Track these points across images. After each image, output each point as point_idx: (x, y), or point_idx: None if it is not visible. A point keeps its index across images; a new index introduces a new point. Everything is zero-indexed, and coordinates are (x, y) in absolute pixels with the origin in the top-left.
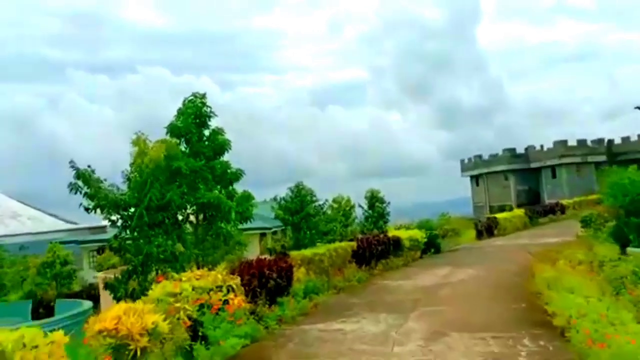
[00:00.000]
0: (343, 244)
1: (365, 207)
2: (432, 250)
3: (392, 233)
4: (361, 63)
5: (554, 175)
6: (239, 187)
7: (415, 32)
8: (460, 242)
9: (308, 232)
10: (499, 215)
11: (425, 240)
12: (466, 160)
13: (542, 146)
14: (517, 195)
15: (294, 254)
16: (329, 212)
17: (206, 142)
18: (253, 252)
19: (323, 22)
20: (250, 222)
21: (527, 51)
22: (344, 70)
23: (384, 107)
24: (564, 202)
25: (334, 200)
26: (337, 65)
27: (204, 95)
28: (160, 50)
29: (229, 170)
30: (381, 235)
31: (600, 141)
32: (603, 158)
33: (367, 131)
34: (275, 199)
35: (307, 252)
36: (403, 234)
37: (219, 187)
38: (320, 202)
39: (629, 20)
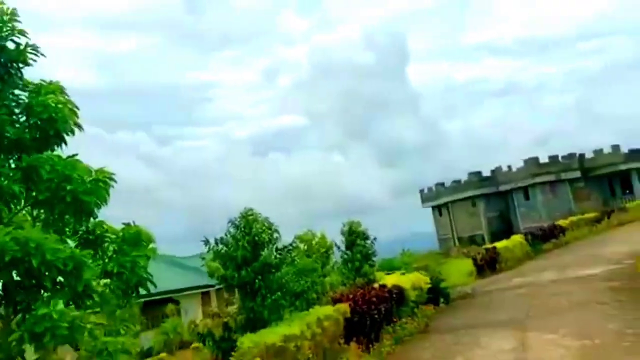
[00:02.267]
0: (329, 310)
1: (342, 246)
2: (442, 300)
3: (386, 280)
4: (298, 109)
5: (527, 197)
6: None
7: (348, 75)
8: (455, 282)
9: (269, 297)
10: (498, 245)
11: (430, 286)
12: (426, 190)
13: (509, 167)
14: (488, 222)
15: (246, 343)
16: (298, 258)
17: None
18: (196, 317)
19: (258, 72)
20: None
21: (456, 88)
22: (282, 117)
23: (326, 150)
24: (562, 223)
25: (301, 239)
26: (275, 113)
27: None
28: (91, 108)
29: None
30: (377, 287)
31: (571, 156)
32: (577, 174)
33: (312, 175)
34: (206, 242)
35: (272, 335)
36: (404, 282)
37: None
38: (286, 244)
39: (545, 56)
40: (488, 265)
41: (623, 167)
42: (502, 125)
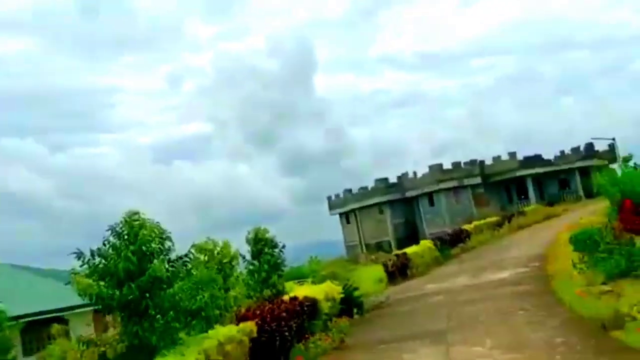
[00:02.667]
0: (232, 330)
1: (248, 256)
2: (356, 310)
3: (297, 292)
4: (204, 116)
5: (431, 203)
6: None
7: (254, 83)
8: (367, 290)
9: (159, 319)
10: (409, 250)
11: (343, 296)
12: (333, 197)
13: (415, 173)
14: (395, 229)
15: None
16: (195, 271)
17: None
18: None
19: (161, 78)
20: None
21: (361, 98)
22: (186, 124)
23: (231, 158)
24: (467, 227)
25: (201, 249)
26: (180, 120)
27: None
28: None
29: None
30: (287, 300)
31: (473, 163)
32: (478, 180)
33: (217, 184)
34: (79, 256)
35: None
36: (316, 292)
37: None
38: (180, 254)
39: (445, 69)
40: (399, 271)
41: (519, 173)
42: (405, 135)
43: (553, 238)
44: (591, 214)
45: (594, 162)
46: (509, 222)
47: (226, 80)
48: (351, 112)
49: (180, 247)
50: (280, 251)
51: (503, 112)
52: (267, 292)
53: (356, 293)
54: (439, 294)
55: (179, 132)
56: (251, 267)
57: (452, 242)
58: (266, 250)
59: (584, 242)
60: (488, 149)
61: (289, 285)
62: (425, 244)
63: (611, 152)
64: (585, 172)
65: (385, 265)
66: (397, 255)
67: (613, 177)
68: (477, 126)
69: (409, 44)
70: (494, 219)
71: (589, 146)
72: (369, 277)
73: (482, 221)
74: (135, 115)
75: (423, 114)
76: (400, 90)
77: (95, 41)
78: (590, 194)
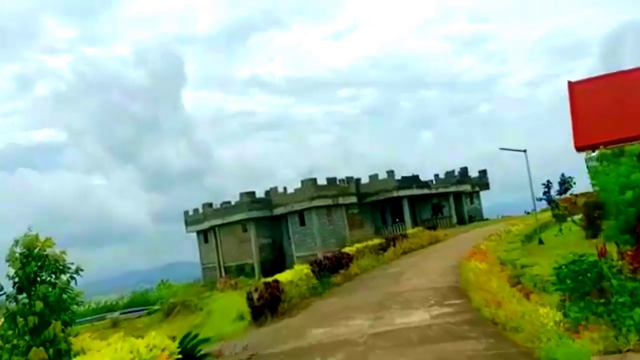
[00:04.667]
0: None
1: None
2: None
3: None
4: (57, 123)
5: (302, 223)
6: None
7: (117, 92)
8: (220, 331)
9: None
10: (281, 277)
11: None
12: (192, 212)
13: (285, 189)
14: (260, 250)
15: None
16: None
17: None
18: None
19: (10, 78)
20: None
21: (228, 118)
22: (36, 130)
23: (86, 170)
24: (348, 251)
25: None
26: (28, 125)
27: None
28: None
29: None
30: None
31: (349, 180)
32: (354, 199)
33: (67, 196)
34: None
35: None
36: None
37: None
38: None
39: (309, 97)
40: (268, 305)
41: (396, 194)
42: (272, 157)
43: (454, 264)
44: (485, 238)
45: (464, 188)
46: (393, 245)
47: (86, 87)
48: (218, 130)
49: None
50: (71, 278)
51: (366, 141)
52: (37, 355)
53: (202, 346)
54: (334, 349)
55: (26, 138)
56: (14, 306)
57: (332, 268)
58: (44, 276)
59: (575, 278)
60: (350, 174)
61: (81, 341)
62: (301, 269)
63: (482, 179)
64: (458, 197)
65: (249, 298)
66: (266, 283)
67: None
68: (342, 153)
69: (279, 68)
70: (376, 241)
71: (464, 171)
72: (226, 309)
73: (364, 244)
74: None
75: (290, 137)
76: (268, 112)
77: None
78: (462, 220)
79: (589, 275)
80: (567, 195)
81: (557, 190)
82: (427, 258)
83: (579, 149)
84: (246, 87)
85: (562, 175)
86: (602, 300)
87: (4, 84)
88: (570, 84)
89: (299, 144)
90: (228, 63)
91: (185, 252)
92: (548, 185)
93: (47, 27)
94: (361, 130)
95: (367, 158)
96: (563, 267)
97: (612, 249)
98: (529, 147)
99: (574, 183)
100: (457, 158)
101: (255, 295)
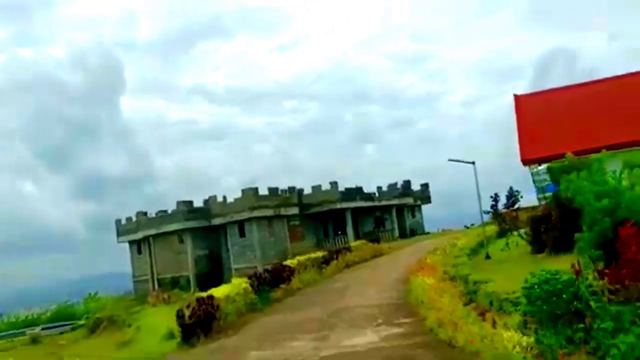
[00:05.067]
0: None
1: None
2: None
3: None
4: None
5: (242, 234)
6: None
7: (51, 94)
8: (147, 351)
9: None
10: (217, 293)
11: None
12: (124, 221)
13: (225, 198)
14: (196, 262)
15: None
16: None
17: None
18: None
19: None
20: None
21: (169, 126)
22: None
23: (16, 175)
24: (289, 263)
25: None
26: None
27: None
28: None
29: None
30: None
31: (292, 190)
32: (295, 210)
33: None
34: None
35: None
36: None
37: None
38: None
39: (252, 108)
40: (201, 324)
41: (339, 205)
42: (215, 166)
43: (400, 279)
44: (430, 252)
45: (407, 200)
46: (336, 258)
47: (17, 87)
48: (158, 138)
49: None
50: None
51: (309, 153)
52: None
53: None
54: None
55: None
56: None
57: (272, 282)
58: None
59: (547, 299)
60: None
61: None
62: (239, 283)
63: (424, 192)
64: (400, 210)
65: (180, 316)
66: (199, 299)
67: (601, 186)
68: (283, 164)
69: (223, 78)
70: (319, 254)
71: (407, 184)
72: (155, 326)
73: (306, 256)
74: None
75: (232, 147)
76: (211, 122)
77: None
78: (404, 234)
79: (564, 296)
80: (513, 208)
81: (504, 204)
82: (372, 272)
83: (526, 162)
84: (189, 96)
85: (510, 188)
86: (580, 326)
87: None
88: (516, 97)
89: (242, 154)
90: (170, 71)
91: (121, 262)
92: (496, 198)
93: None
94: (304, 142)
95: (310, 170)
96: (535, 286)
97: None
98: (464, 164)
99: (521, 197)
100: (398, 171)
101: (187, 312)
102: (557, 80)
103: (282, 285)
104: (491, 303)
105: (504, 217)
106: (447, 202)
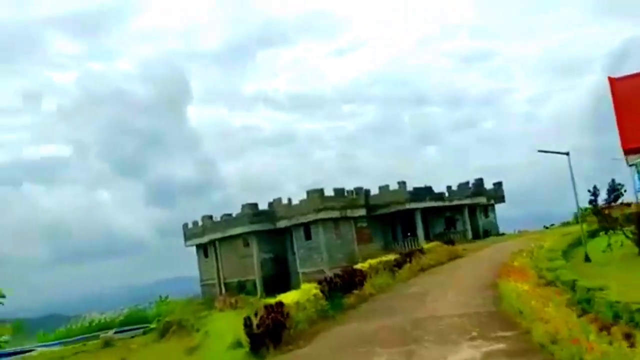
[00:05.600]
0: None
1: None
2: None
3: None
4: (63, 138)
5: (308, 237)
6: None
7: (123, 107)
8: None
9: None
10: (286, 299)
11: None
12: (190, 225)
13: (290, 200)
14: (262, 265)
15: None
16: None
17: None
18: None
19: (16, 94)
20: None
21: (233, 133)
22: (42, 145)
23: (91, 184)
24: (360, 266)
25: None
26: (34, 140)
27: None
28: None
29: None
30: None
31: (358, 191)
32: (362, 212)
33: (72, 211)
34: None
35: None
36: None
37: None
38: None
39: (313, 113)
40: (270, 334)
41: (408, 206)
42: (277, 172)
43: (486, 284)
44: (513, 254)
45: (480, 200)
46: (410, 262)
47: (91, 102)
48: (223, 145)
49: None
50: None
51: (370, 157)
52: None
53: None
54: None
55: (32, 153)
56: None
57: (343, 287)
58: None
59: None
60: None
61: None
62: (309, 289)
63: (497, 191)
64: (472, 210)
65: (247, 324)
66: (267, 306)
67: None
68: (345, 167)
69: (283, 84)
70: (390, 257)
71: (479, 182)
72: (224, 332)
73: (377, 259)
74: None
75: (294, 153)
76: (273, 128)
77: None
78: (477, 235)
79: None
80: (616, 204)
81: (605, 199)
82: (451, 276)
83: (628, 151)
84: (251, 103)
85: (612, 181)
86: None
87: (11, 99)
88: (611, 80)
89: (304, 159)
90: (233, 79)
91: (190, 266)
92: (595, 192)
93: (53, 43)
94: (364, 146)
95: (372, 172)
96: None
97: None
98: (537, 162)
99: (625, 191)
100: (463, 172)
101: (255, 321)
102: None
103: (355, 291)
104: (617, 315)
105: (606, 213)
106: (520, 201)
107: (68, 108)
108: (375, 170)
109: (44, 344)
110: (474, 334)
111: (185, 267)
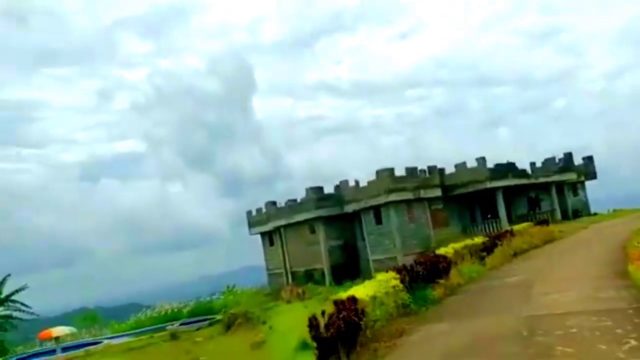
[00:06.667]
0: None
1: None
2: None
3: None
4: (136, 134)
5: (378, 221)
6: None
7: (191, 102)
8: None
9: None
10: (359, 293)
11: None
12: (254, 212)
13: (357, 182)
14: (329, 252)
15: None
16: None
17: None
18: None
19: (92, 92)
20: None
21: (298, 123)
22: (117, 141)
23: (164, 178)
24: (444, 251)
25: None
26: (109, 137)
27: None
28: None
29: None
30: None
31: (432, 169)
32: (438, 193)
33: (147, 204)
34: None
35: None
36: None
37: None
38: None
39: (377, 99)
40: (342, 337)
41: (489, 185)
42: (342, 159)
43: (606, 271)
44: (633, 232)
45: (570, 176)
46: (500, 245)
47: (161, 98)
48: (288, 135)
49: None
50: None
51: (438, 141)
52: None
53: None
54: None
55: (108, 150)
56: None
57: (427, 277)
58: None
59: None
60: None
61: None
62: (387, 279)
63: (588, 167)
64: (560, 188)
65: (313, 325)
66: (337, 302)
67: None
68: (413, 152)
69: (346, 72)
70: (477, 240)
71: (568, 157)
72: (289, 328)
73: (462, 243)
74: (61, 131)
75: (359, 140)
76: (336, 116)
77: (21, 52)
78: (566, 215)
79: None
80: None
81: None
82: (556, 262)
83: None
84: (314, 92)
85: None
86: None
87: (86, 99)
88: None
89: (369, 146)
90: (296, 69)
91: (258, 255)
92: None
93: (124, 42)
94: (432, 130)
95: (442, 157)
96: None
97: None
98: (610, 141)
99: None
100: (540, 152)
101: (322, 322)
102: None
103: (440, 281)
104: None
105: None
106: (608, 180)
107: (140, 105)
108: (445, 154)
109: (113, 335)
110: (633, 342)
111: (255, 256)
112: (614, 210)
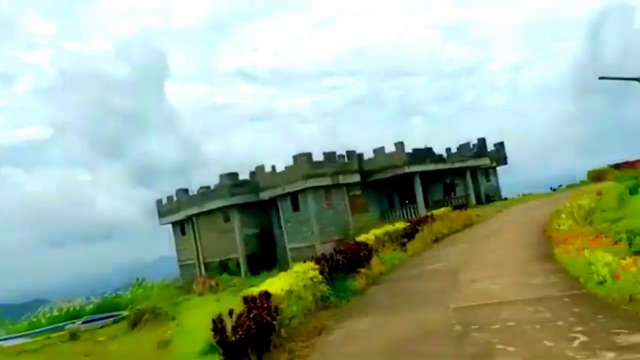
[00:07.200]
0: None
1: None
2: None
3: None
4: (41, 120)
5: (296, 208)
6: None
7: (100, 86)
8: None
9: None
10: (274, 287)
11: None
12: (165, 201)
13: (273, 167)
14: (245, 242)
15: None
16: None
17: None
18: None
19: None
20: None
21: (214, 110)
22: (19, 128)
23: (71, 166)
24: (364, 238)
25: None
26: (10, 123)
27: None
28: None
29: None
30: None
31: (350, 155)
32: (356, 178)
33: (54, 194)
34: None
35: None
36: None
37: None
38: None
39: (293, 87)
40: (253, 340)
41: (407, 169)
42: (259, 148)
43: (531, 254)
44: (551, 214)
45: (484, 161)
46: (421, 231)
47: (67, 82)
48: (204, 123)
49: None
50: None
51: (354, 130)
52: None
53: None
54: None
55: (9, 136)
56: None
57: (347, 266)
58: None
59: None
60: None
61: None
62: (305, 270)
63: (499, 152)
64: (473, 174)
65: (218, 329)
66: (247, 299)
67: None
68: (329, 142)
69: (263, 59)
70: (398, 226)
71: (482, 142)
72: (198, 325)
73: (382, 229)
74: None
75: (276, 129)
76: (253, 104)
77: None
78: (479, 200)
79: None
80: None
81: None
82: (477, 247)
83: None
84: (231, 79)
85: None
86: None
87: None
88: None
89: (287, 134)
90: (212, 55)
91: (172, 246)
92: None
93: (25, 22)
94: (348, 119)
95: (358, 145)
96: None
97: None
98: (517, 132)
99: None
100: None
101: (230, 323)
102: (612, 39)
103: (361, 270)
104: None
105: None
106: (514, 166)
107: (44, 89)
108: (362, 143)
109: (7, 336)
110: (582, 337)
111: (168, 247)
112: (524, 195)
